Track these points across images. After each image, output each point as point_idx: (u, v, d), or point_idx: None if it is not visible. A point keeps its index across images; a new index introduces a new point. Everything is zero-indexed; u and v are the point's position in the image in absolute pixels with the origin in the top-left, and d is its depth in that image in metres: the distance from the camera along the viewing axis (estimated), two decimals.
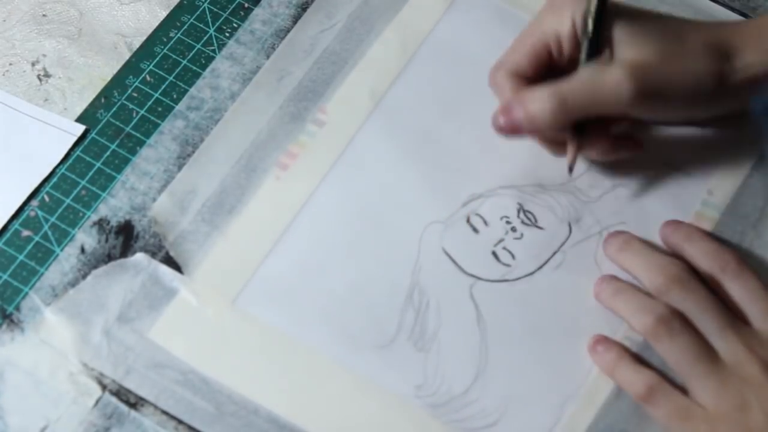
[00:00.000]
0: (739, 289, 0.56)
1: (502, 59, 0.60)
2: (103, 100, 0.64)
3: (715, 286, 0.56)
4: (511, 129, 0.58)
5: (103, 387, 0.56)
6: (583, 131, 0.59)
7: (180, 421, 0.55)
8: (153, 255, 0.59)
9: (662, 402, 0.54)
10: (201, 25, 0.66)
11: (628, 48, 0.57)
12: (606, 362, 0.57)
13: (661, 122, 0.62)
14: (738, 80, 0.58)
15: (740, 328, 0.55)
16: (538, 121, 0.57)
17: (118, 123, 0.63)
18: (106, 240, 0.60)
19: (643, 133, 0.63)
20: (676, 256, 0.58)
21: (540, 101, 0.56)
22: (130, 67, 0.65)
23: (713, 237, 0.58)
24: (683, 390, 0.55)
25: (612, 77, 0.56)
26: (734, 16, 0.66)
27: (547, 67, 0.59)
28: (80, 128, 0.63)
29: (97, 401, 0.56)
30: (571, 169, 0.60)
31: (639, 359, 0.57)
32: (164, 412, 0.56)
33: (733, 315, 0.55)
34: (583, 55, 0.57)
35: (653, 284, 0.56)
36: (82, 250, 0.59)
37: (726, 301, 0.56)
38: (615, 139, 0.60)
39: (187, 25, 0.67)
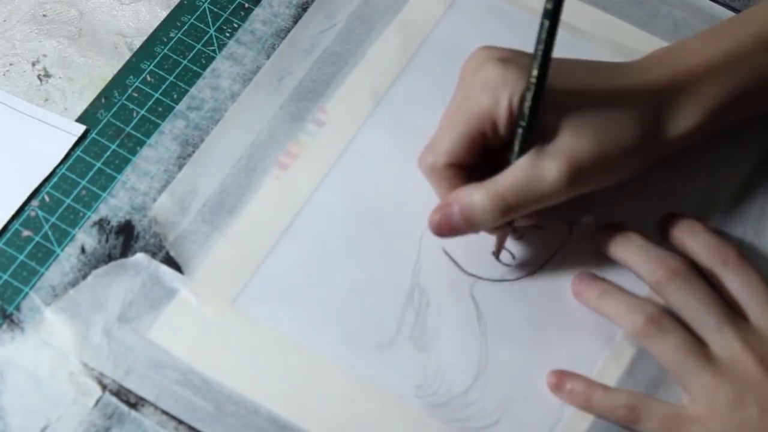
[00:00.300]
0: (738, 283, 0.56)
1: (434, 144, 0.56)
2: (103, 100, 0.64)
3: (714, 280, 0.56)
4: (450, 231, 0.56)
5: (104, 387, 0.56)
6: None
7: (180, 421, 0.55)
8: (153, 255, 0.59)
9: (649, 417, 0.54)
10: (201, 25, 0.66)
11: (564, 135, 0.54)
12: (577, 399, 0.56)
13: None
14: (669, 142, 0.57)
15: (738, 324, 0.54)
16: (478, 225, 0.56)
17: (118, 123, 0.63)
18: (107, 240, 0.60)
19: None
20: (676, 251, 0.58)
21: (480, 206, 0.55)
22: (131, 67, 0.65)
23: (714, 231, 0.58)
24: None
25: (550, 172, 0.54)
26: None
27: (484, 150, 0.56)
28: (80, 128, 0.63)
29: (98, 401, 0.56)
30: (497, 256, 0.59)
31: (607, 386, 0.56)
32: (164, 412, 0.56)
33: (731, 310, 0.55)
34: (516, 148, 0.55)
35: (653, 277, 0.56)
36: (83, 250, 0.59)
37: (725, 296, 0.56)
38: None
39: (187, 25, 0.67)
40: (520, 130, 0.54)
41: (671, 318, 0.55)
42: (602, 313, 0.57)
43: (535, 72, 0.52)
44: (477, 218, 0.55)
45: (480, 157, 0.57)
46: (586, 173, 0.55)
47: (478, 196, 0.55)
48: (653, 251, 0.57)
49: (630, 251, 0.57)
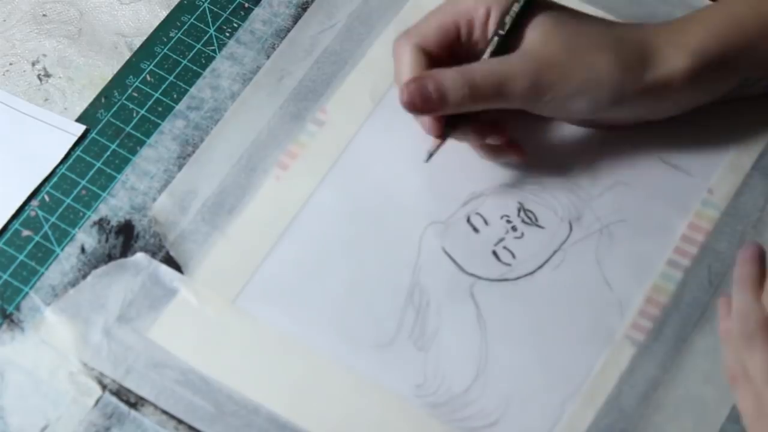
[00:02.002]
0: None
1: (410, 29, 0.59)
2: (103, 100, 0.64)
3: None
4: (422, 103, 0.56)
5: (103, 387, 0.56)
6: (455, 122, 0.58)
7: (180, 421, 0.55)
8: (153, 255, 0.59)
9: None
10: (201, 25, 0.66)
11: (536, 43, 0.57)
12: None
13: (580, 122, 0.62)
14: (650, 86, 0.57)
15: None
16: (450, 101, 0.56)
17: (118, 123, 0.63)
18: (107, 240, 0.60)
19: (640, 132, 0.63)
20: None
21: (452, 82, 0.56)
22: (131, 67, 0.65)
23: None
24: None
25: (515, 69, 0.56)
26: None
27: (453, 46, 0.59)
28: (80, 128, 0.63)
29: (97, 401, 0.56)
30: (430, 155, 0.60)
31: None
32: (164, 412, 0.56)
33: None
34: (489, 49, 0.57)
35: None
36: (83, 249, 0.59)
37: None
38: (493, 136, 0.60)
39: (187, 25, 0.67)
40: (496, 39, 0.57)
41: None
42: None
43: None
44: (450, 94, 0.56)
45: (447, 53, 0.58)
46: (554, 79, 0.56)
47: (450, 73, 0.56)
48: None
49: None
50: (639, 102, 0.58)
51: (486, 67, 0.57)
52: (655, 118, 0.61)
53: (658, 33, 0.58)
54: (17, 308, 0.58)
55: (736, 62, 0.59)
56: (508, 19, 0.56)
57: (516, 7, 0.56)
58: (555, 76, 0.56)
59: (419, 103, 0.56)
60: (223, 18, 0.67)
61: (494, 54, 0.57)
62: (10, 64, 0.65)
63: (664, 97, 0.59)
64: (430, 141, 0.60)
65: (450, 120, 0.58)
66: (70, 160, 0.62)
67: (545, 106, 0.58)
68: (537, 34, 0.57)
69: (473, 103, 0.56)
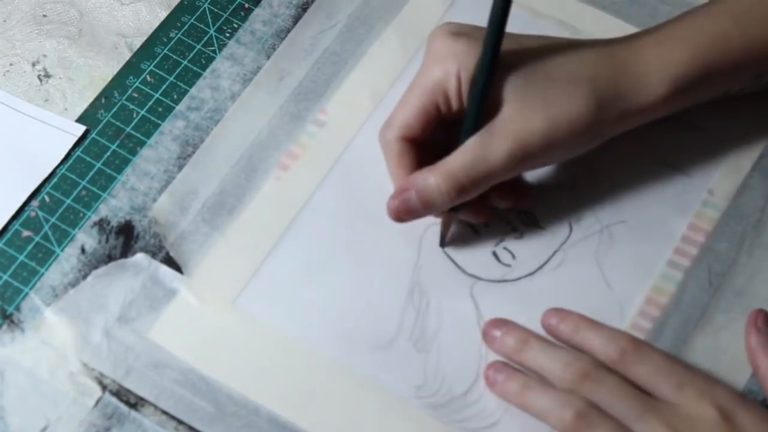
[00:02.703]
0: (645, 370, 0.53)
1: (391, 118, 0.58)
2: (103, 101, 0.64)
3: (621, 372, 0.54)
4: (408, 215, 0.57)
5: (103, 387, 0.56)
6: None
7: (180, 421, 0.55)
8: (153, 255, 0.59)
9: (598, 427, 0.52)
10: (201, 26, 0.66)
11: (512, 112, 0.55)
12: (511, 392, 0.55)
13: None
14: (630, 116, 0.57)
15: (659, 410, 0.52)
16: (437, 207, 0.56)
17: (118, 123, 0.63)
18: (107, 240, 0.60)
19: (640, 133, 0.63)
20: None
21: (436, 188, 0.55)
22: (131, 68, 0.65)
23: (600, 324, 0.56)
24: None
25: (498, 152, 0.55)
26: None
27: (437, 123, 0.57)
28: (81, 128, 0.63)
29: (98, 401, 0.56)
30: (443, 240, 0.60)
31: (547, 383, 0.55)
32: (164, 412, 0.56)
33: (648, 396, 0.53)
34: (463, 131, 0.56)
35: (562, 383, 0.53)
36: (83, 250, 0.59)
37: (637, 383, 0.54)
38: (493, 198, 0.59)
39: (187, 25, 0.67)
40: (469, 105, 0.55)
41: (598, 411, 0.53)
42: (526, 409, 0.54)
43: (484, 51, 0.54)
44: (433, 200, 0.56)
45: (434, 131, 0.58)
46: (533, 152, 0.56)
47: (432, 178, 0.56)
48: (556, 354, 0.55)
49: (533, 357, 0.55)
50: (617, 128, 0.58)
51: (467, 160, 0.55)
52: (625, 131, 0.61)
53: (638, 53, 0.57)
54: (17, 309, 0.58)
55: (717, 80, 0.58)
56: (476, 90, 0.55)
57: (479, 76, 0.54)
58: (537, 148, 0.55)
59: (406, 215, 0.57)
60: (223, 18, 0.67)
61: (471, 125, 0.56)
62: (11, 64, 0.65)
63: (641, 119, 0.58)
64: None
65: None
66: (71, 161, 0.62)
67: (531, 168, 0.59)
68: (510, 99, 0.55)
69: (461, 200, 0.56)
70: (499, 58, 0.54)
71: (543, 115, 0.55)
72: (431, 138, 0.58)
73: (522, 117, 0.55)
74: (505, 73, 0.55)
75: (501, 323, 0.57)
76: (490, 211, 0.60)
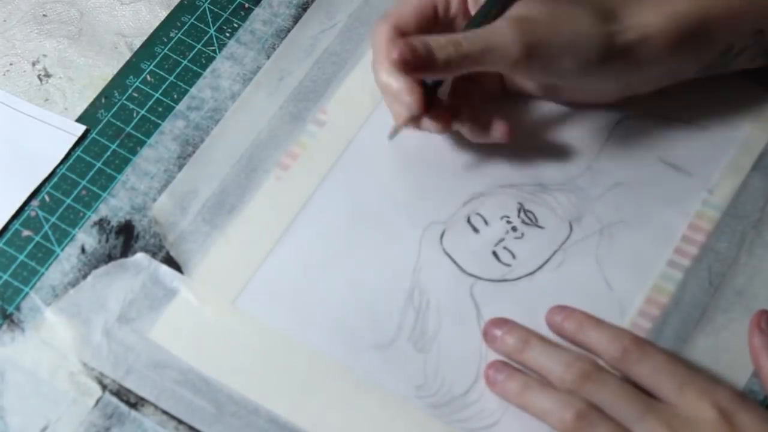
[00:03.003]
0: (645, 371, 0.53)
1: (388, 12, 0.59)
2: (103, 100, 0.64)
3: (623, 372, 0.55)
4: (413, 59, 0.55)
5: (104, 387, 0.56)
6: (430, 94, 0.58)
7: (180, 421, 0.55)
8: (153, 255, 0.59)
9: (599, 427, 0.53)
10: (201, 25, 0.66)
11: (518, 8, 0.56)
12: (511, 391, 0.55)
13: (565, 101, 0.63)
14: (627, 40, 0.57)
15: (659, 411, 0.52)
16: (440, 60, 0.55)
17: (118, 123, 0.63)
18: (107, 240, 0.60)
19: (641, 132, 0.63)
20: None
21: (438, 40, 0.55)
22: (131, 67, 0.65)
23: (603, 322, 0.56)
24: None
25: (500, 31, 0.55)
26: None
27: (432, 25, 0.59)
28: (81, 128, 0.63)
29: (98, 401, 0.56)
30: (395, 133, 0.59)
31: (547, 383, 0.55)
32: (164, 412, 0.56)
33: (648, 397, 0.53)
34: (473, 21, 0.57)
35: (563, 383, 0.54)
36: (83, 250, 0.59)
37: (638, 382, 0.54)
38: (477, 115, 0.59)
39: (187, 25, 0.67)
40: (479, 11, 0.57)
41: (599, 412, 0.53)
42: (526, 408, 0.54)
43: None
44: (439, 53, 0.55)
45: (426, 32, 0.57)
46: (534, 39, 0.56)
47: (437, 37, 0.56)
48: (557, 355, 0.55)
49: (533, 357, 0.55)
50: (621, 63, 0.58)
51: (471, 32, 0.56)
52: (640, 89, 0.61)
53: None
54: (17, 308, 0.58)
55: (718, 30, 0.58)
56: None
57: None
58: (541, 34, 0.56)
59: (411, 59, 0.55)
60: (223, 18, 0.67)
61: (477, 25, 0.57)
62: (11, 64, 0.65)
63: (645, 59, 0.58)
64: (429, 137, 0.60)
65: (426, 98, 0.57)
66: (71, 161, 0.62)
67: (533, 69, 0.58)
68: (518, 4, 0.57)
69: (461, 65, 0.56)
70: None
71: (546, 11, 0.56)
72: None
73: (526, 9, 0.56)
74: None
75: (502, 323, 0.57)
76: (453, 123, 0.59)
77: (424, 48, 0.55)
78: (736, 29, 0.59)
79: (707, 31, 0.58)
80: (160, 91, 0.64)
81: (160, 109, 0.64)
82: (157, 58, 0.65)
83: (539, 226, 0.61)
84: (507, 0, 0.57)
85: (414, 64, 0.55)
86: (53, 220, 0.60)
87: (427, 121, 0.59)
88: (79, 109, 0.64)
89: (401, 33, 0.58)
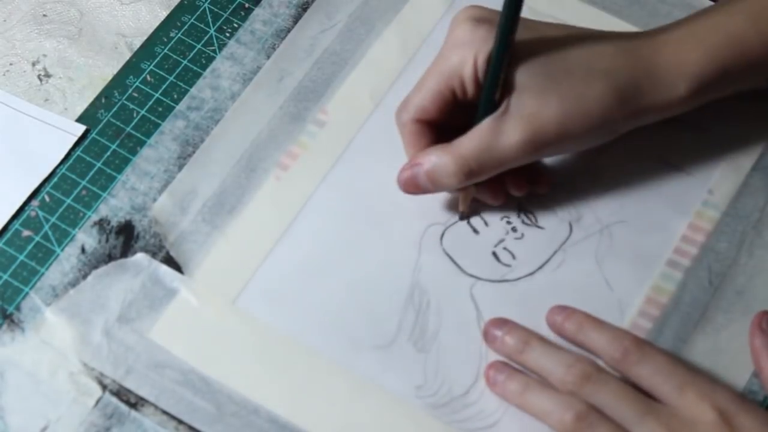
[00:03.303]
0: (646, 371, 0.53)
1: (407, 100, 0.58)
2: (103, 100, 0.64)
3: (623, 373, 0.55)
4: (416, 190, 0.58)
5: (104, 387, 0.56)
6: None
7: (180, 421, 0.55)
8: (153, 255, 0.59)
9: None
10: (201, 26, 0.66)
11: (527, 97, 0.55)
12: (511, 392, 0.55)
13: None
14: (648, 112, 0.57)
15: (659, 412, 0.52)
16: (444, 187, 0.58)
17: (118, 123, 0.63)
18: (107, 240, 0.60)
19: (641, 132, 0.63)
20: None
21: (445, 169, 0.56)
22: (131, 67, 0.65)
23: (604, 323, 0.56)
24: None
25: (510, 137, 0.55)
26: None
27: (453, 107, 0.58)
28: (81, 128, 0.63)
29: (98, 401, 0.56)
30: (462, 216, 0.60)
31: (547, 384, 0.55)
32: (165, 412, 0.56)
33: (648, 399, 0.53)
34: (480, 109, 0.56)
35: (563, 385, 0.54)
36: (83, 250, 0.59)
37: (638, 383, 0.54)
38: (513, 180, 0.60)
39: (187, 25, 0.67)
40: (484, 89, 0.56)
41: (598, 413, 0.53)
42: (526, 409, 0.54)
43: (498, 28, 0.54)
44: (441, 179, 0.57)
45: (450, 115, 0.58)
46: (546, 141, 0.56)
47: (443, 158, 0.56)
48: (557, 356, 0.55)
49: (534, 358, 0.55)
50: (632, 123, 0.58)
51: (478, 145, 0.56)
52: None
53: (657, 51, 0.57)
54: (17, 308, 0.58)
55: (734, 80, 0.58)
56: (490, 69, 0.55)
57: (493, 55, 0.54)
58: (551, 137, 0.56)
59: (414, 189, 0.58)
60: (223, 18, 0.67)
61: (485, 106, 0.56)
62: (11, 64, 0.65)
63: (657, 116, 0.58)
64: None
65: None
66: (71, 161, 0.62)
67: (543, 157, 0.60)
68: (527, 87, 0.55)
69: (470, 181, 0.57)
70: (513, 43, 0.54)
71: (558, 105, 0.55)
72: (447, 121, 0.58)
73: (536, 105, 0.55)
74: (522, 60, 0.55)
75: (502, 323, 0.57)
76: (506, 195, 0.60)
77: (429, 180, 0.57)
78: (752, 76, 0.59)
79: (724, 83, 0.58)
80: (160, 91, 0.64)
81: (160, 109, 0.64)
82: (157, 58, 0.65)
83: (539, 227, 0.61)
84: (503, 76, 0.56)
85: (420, 192, 0.58)
86: (53, 220, 0.60)
87: (482, 195, 0.60)
88: (79, 109, 0.64)
89: (424, 124, 0.58)
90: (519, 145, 0.55)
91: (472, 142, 0.56)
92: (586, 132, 0.56)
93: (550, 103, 0.55)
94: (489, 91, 0.55)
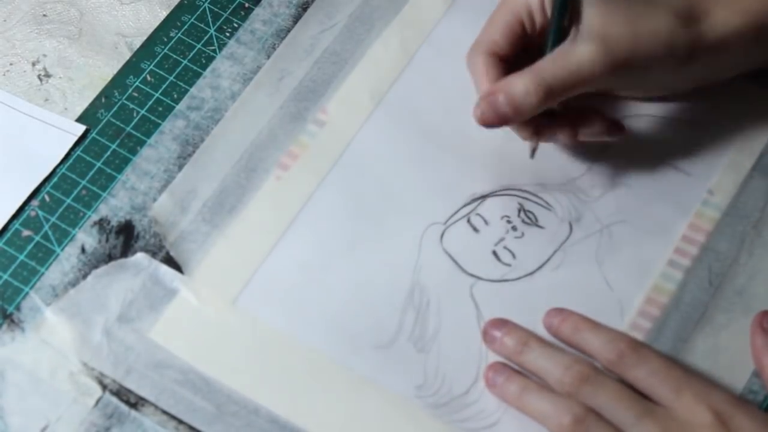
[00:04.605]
0: (643, 373, 0.54)
1: (478, 38, 0.60)
2: (103, 100, 0.64)
3: (620, 375, 0.55)
4: (496, 119, 0.57)
5: (104, 387, 0.56)
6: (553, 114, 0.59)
7: (180, 421, 0.55)
8: (153, 255, 0.59)
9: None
10: (201, 25, 0.66)
11: (596, 17, 0.56)
12: (510, 394, 0.55)
13: (641, 96, 0.63)
14: (709, 42, 0.57)
15: (656, 414, 0.52)
16: (525, 110, 0.57)
17: (118, 123, 0.63)
18: (107, 240, 0.60)
19: (640, 132, 0.63)
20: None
21: (524, 89, 0.56)
22: (131, 67, 0.65)
23: (600, 326, 0.56)
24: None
25: (584, 54, 0.56)
26: None
27: (523, 41, 0.59)
28: (81, 128, 0.63)
29: (98, 401, 0.56)
30: (533, 152, 0.60)
31: (545, 387, 0.55)
32: (165, 412, 0.56)
33: (646, 401, 0.53)
34: (549, 40, 0.57)
35: (561, 386, 0.54)
36: (83, 249, 0.59)
37: (635, 386, 0.54)
38: (590, 119, 0.60)
39: (187, 24, 0.67)
40: (553, 25, 0.57)
41: (596, 415, 0.53)
42: (524, 411, 0.55)
43: None
44: (522, 103, 0.56)
45: (520, 49, 0.59)
46: (620, 59, 0.56)
47: (521, 81, 0.56)
48: (555, 358, 0.55)
49: (532, 360, 0.55)
50: (702, 63, 0.58)
51: (555, 64, 0.56)
52: (717, 80, 0.61)
53: None
54: (17, 308, 0.58)
55: None
56: (554, 6, 0.56)
57: None
58: (624, 51, 0.56)
59: (494, 119, 0.57)
60: (223, 18, 0.67)
61: (556, 33, 0.57)
62: (11, 64, 0.65)
63: (726, 56, 0.59)
64: (435, 139, 0.60)
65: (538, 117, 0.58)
66: (71, 160, 0.62)
67: (617, 83, 0.59)
68: (594, 9, 0.56)
69: (549, 103, 0.57)
70: None
71: (626, 24, 0.56)
72: (517, 58, 0.59)
73: (606, 24, 0.56)
74: None
75: (501, 324, 0.57)
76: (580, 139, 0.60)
77: (510, 105, 0.56)
78: None
79: None
80: (160, 91, 0.64)
81: (160, 109, 0.64)
82: (157, 58, 0.65)
83: (539, 226, 0.61)
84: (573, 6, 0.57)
85: (500, 123, 0.57)
86: (53, 220, 0.60)
87: (554, 136, 0.60)
88: (79, 109, 0.64)
89: (495, 57, 0.59)
90: (594, 62, 0.56)
91: (548, 63, 0.57)
92: (655, 53, 0.57)
93: (618, 22, 0.56)
94: (558, 19, 0.57)
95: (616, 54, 0.56)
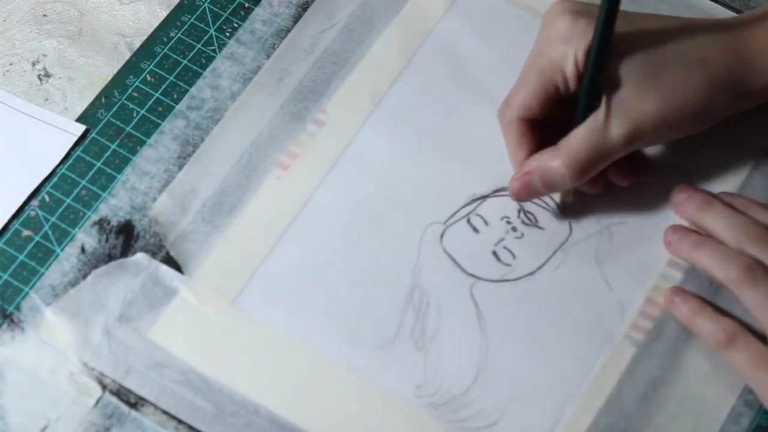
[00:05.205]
0: None
1: (510, 98, 0.59)
2: (103, 100, 0.64)
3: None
4: (530, 196, 0.59)
5: (104, 387, 0.56)
6: None
7: (180, 421, 0.55)
8: (153, 255, 0.59)
9: (742, 348, 0.54)
10: (201, 25, 0.66)
11: (628, 91, 0.56)
12: (684, 313, 0.57)
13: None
14: (752, 92, 0.58)
15: None
16: (558, 189, 0.59)
17: (118, 123, 0.63)
18: (107, 240, 0.60)
19: None
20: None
21: (558, 171, 0.57)
22: (131, 67, 0.65)
23: (727, 209, 0.58)
24: (763, 340, 0.55)
25: (615, 133, 0.56)
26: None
27: (555, 103, 0.58)
28: (80, 128, 0.63)
29: (98, 401, 0.56)
30: (563, 208, 0.61)
31: (718, 309, 0.57)
32: (164, 412, 0.56)
33: None
34: (580, 110, 0.57)
35: (737, 243, 0.56)
36: (83, 249, 0.59)
37: None
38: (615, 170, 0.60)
39: (187, 24, 0.67)
40: (584, 86, 0.56)
41: (765, 269, 0.54)
42: (696, 263, 0.57)
43: (597, 26, 0.54)
44: (556, 183, 0.58)
45: (553, 110, 0.59)
46: (648, 133, 0.57)
47: (554, 163, 0.57)
48: (733, 218, 0.57)
49: (712, 218, 0.57)
50: (729, 110, 0.59)
51: (586, 143, 0.57)
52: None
53: (749, 37, 0.58)
54: (17, 308, 0.58)
55: None
56: (590, 64, 0.56)
57: (593, 50, 0.55)
58: (651, 129, 0.57)
59: (528, 196, 0.59)
60: (223, 18, 0.67)
61: (586, 102, 0.57)
62: (10, 64, 0.65)
63: (752, 102, 0.59)
64: (435, 139, 0.60)
65: None
66: (70, 160, 0.62)
67: (644, 147, 0.61)
68: (624, 79, 0.56)
69: (581, 181, 0.58)
70: (612, 40, 0.55)
71: (657, 98, 0.56)
72: (550, 115, 0.59)
73: (637, 99, 0.56)
74: (620, 54, 0.56)
75: (685, 187, 0.60)
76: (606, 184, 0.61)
77: (544, 185, 0.58)
78: None
79: None
80: (160, 91, 0.64)
81: (160, 109, 0.64)
82: (157, 58, 0.65)
83: (539, 227, 0.61)
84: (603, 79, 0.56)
85: (531, 197, 0.59)
86: (53, 219, 0.60)
87: (586, 187, 0.60)
88: (79, 109, 0.64)
89: (530, 123, 0.59)
90: (623, 139, 0.56)
91: (579, 142, 0.57)
92: (684, 121, 0.57)
93: (649, 95, 0.56)
94: (590, 87, 0.56)
95: (644, 130, 0.57)
